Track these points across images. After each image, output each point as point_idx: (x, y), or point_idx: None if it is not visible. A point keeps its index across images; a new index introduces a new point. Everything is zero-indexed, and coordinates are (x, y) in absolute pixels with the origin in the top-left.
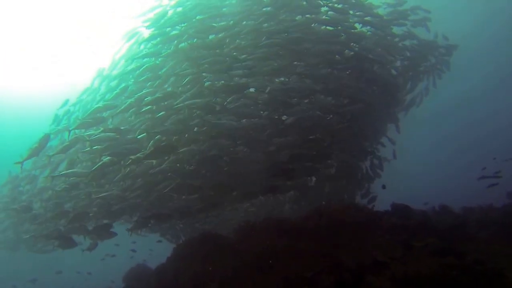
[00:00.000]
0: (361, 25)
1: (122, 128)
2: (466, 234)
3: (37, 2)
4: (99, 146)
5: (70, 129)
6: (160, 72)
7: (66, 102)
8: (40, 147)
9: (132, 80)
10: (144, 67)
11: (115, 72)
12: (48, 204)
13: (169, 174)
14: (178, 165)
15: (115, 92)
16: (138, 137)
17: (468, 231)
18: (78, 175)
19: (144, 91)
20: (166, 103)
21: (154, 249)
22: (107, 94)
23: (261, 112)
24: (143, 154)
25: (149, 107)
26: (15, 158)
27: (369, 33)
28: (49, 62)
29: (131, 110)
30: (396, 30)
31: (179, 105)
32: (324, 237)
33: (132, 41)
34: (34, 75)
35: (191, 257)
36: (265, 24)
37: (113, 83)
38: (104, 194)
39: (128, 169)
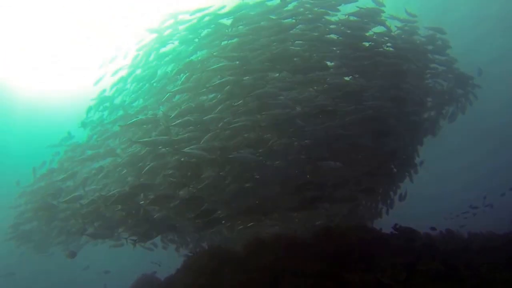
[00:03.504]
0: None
1: None
2: (470, 260)
3: (37, 2)
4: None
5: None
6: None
7: (121, 79)
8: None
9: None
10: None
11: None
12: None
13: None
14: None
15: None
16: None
17: (471, 257)
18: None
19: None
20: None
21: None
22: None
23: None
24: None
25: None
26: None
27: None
28: (49, 62)
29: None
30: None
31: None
32: (332, 257)
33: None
34: (33, 75)
35: (200, 271)
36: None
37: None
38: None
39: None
